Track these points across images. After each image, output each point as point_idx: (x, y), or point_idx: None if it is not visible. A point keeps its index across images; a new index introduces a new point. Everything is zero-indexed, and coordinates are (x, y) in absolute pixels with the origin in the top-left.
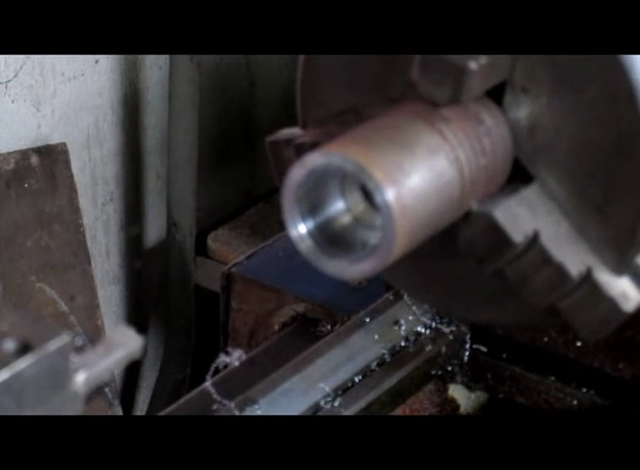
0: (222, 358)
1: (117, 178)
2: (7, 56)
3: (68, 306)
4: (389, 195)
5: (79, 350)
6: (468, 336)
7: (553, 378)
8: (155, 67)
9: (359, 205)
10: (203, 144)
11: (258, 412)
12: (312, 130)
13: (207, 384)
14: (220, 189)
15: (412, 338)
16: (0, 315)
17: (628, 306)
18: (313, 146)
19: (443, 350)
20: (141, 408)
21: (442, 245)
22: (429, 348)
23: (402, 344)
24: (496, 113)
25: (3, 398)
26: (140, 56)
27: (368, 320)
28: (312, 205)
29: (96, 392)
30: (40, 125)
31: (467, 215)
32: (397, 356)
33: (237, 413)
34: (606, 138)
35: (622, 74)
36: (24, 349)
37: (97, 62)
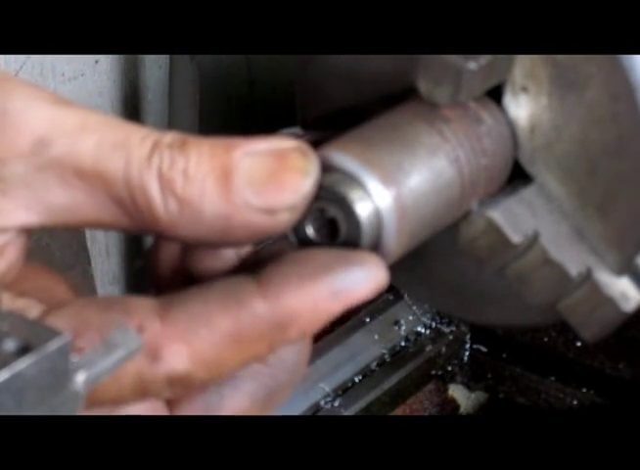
0: None
1: None
2: (7, 56)
3: None
4: (389, 195)
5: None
6: (468, 336)
7: (553, 378)
8: (155, 67)
9: None
10: None
11: None
12: (312, 130)
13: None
14: None
15: (412, 338)
16: (0, 315)
17: (628, 307)
18: (313, 146)
19: (443, 350)
20: None
21: (442, 245)
22: (429, 348)
23: (402, 344)
24: (496, 113)
25: (3, 397)
26: (140, 56)
27: (368, 320)
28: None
29: None
30: None
31: (467, 215)
32: (397, 356)
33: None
34: (606, 138)
35: (622, 74)
36: (24, 349)
37: (97, 62)
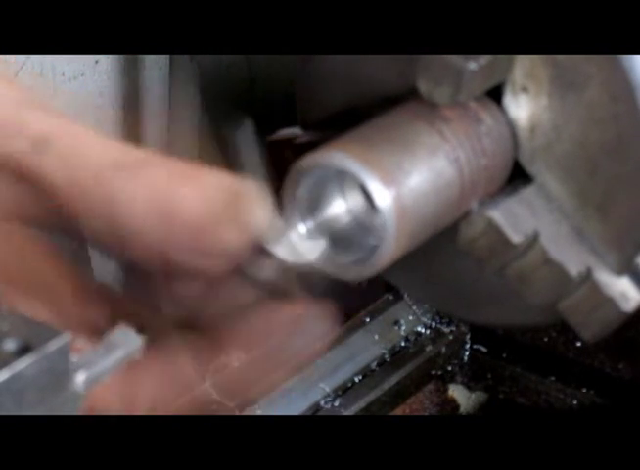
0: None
1: None
2: (7, 56)
3: None
4: (389, 195)
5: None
6: (468, 336)
7: (553, 378)
8: (155, 67)
9: (359, 205)
10: (202, 144)
11: (258, 412)
12: (312, 130)
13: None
14: None
15: (412, 338)
16: (0, 315)
17: (628, 306)
18: (313, 146)
19: (443, 350)
20: None
21: (442, 245)
22: (429, 348)
23: (402, 344)
24: (496, 113)
25: (3, 398)
26: (140, 56)
27: (368, 320)
28: (312, 205)
29: None
30: None
31: (467, 215)
32: (397, 356)
33: (237, 413)
34: (606, 138)
35: (622, 74)
36: (24, 349)
37: (97, 62)
